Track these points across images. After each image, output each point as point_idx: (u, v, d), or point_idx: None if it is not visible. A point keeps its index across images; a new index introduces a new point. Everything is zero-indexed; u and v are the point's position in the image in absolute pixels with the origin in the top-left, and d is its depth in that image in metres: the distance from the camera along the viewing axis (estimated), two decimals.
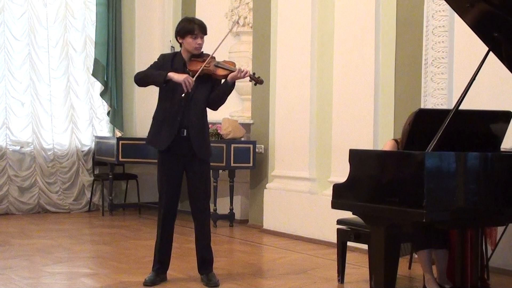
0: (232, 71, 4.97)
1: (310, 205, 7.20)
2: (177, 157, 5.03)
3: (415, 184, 3.63)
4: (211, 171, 5.27)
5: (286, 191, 7.49)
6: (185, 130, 4.98)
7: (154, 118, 5.14)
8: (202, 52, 5.10)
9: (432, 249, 4.79)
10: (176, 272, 5.44)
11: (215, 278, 5.09)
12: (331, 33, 7.04)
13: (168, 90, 5.00)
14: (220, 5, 8.90)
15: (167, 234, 5.16)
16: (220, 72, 4.99)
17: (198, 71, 4.94)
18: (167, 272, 5.23)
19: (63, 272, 5.58)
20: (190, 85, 4.86)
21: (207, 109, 5.16)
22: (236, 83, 4.96)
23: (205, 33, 5.06)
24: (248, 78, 5.04)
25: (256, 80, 5.03)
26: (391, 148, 4.90)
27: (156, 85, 5.08)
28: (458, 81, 5.77)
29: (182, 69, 4.99)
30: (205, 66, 4.97)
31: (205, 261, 5.14)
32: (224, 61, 5.10)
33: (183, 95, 4.90)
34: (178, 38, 5.08)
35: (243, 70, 4.93)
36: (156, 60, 5.16)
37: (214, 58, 5.09)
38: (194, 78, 4.90)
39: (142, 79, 5.10)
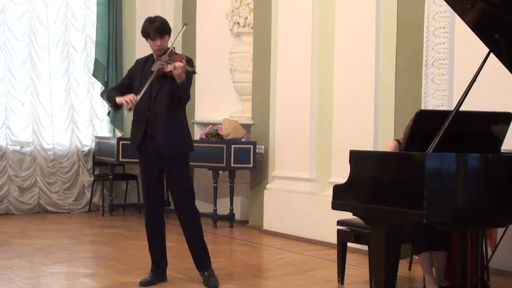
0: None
1: (310, 206, 7.19)
2: (150, 157, 5.07)
3: (415, 185, 3.63)
4: (188, 167, 5.22)
5: (286, 192, 7.49)
6: (149, 130, 5.02)
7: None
8: (167, 49, 5.06)
9: (433, 251, 4.79)
10: (176, 272, 5.44)
11: (214, 277, 5.10)
12: (331, 34, 7.04)
13: (137, 93, 5.07)
14: (220, 6, 8.90)
15: (154, 235, 5.18)
16: (168, 68, 4.93)
17: (155, 72, 4.94)
18: (167, 272, 5.23)
19: (63, 272, 5.58)
20: (131, 101, 4.90)
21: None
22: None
23: (164, 34, 5.02)
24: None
25: (190, 71, 4.91)
26: (393, 148, 4.90)
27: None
28: (458, 82, 5.77)
29: (150, 71, 5.02)
30: (160, 65, 4.95)
31: (199, 258, 5.15)
32: (176, 55, 5.00)
33: (127, 111, 4.99)
34: (144, 38, 5.14)
35: (177, 66, 4.81)
36: (132, 66, 5.29)
37: (173, 53, 5.02)
38: (148, 83, 4.93)
39: (107, 101, 5.22)
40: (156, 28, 4.99)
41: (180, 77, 4.83)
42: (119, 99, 4.97)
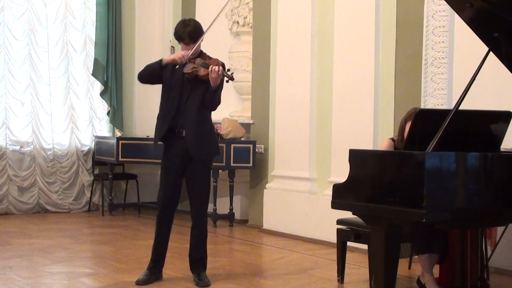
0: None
1: (310, 205, 7.19)
2: (177, 156, 5.09)
3: (415, 184, 3.62)
4: (211, 171, 5.29)
5: (286, 191, 7.49)
6: (183, 130, 5.04)
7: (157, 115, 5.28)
8: (201, 51, 5.12)
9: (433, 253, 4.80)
10: (174, 272, 5.43)
11: (206, 278, 5.09)
12: (331, 33, 7.04)
13: (166, 88, 5.13)
14: (220, 5, 8.85)
15: (163, 233, 5.19)
16: (202, 72, 4.98)
17: (189, 73, 4.98)
18: (164, 271, 5.23)
19: (63, 272, 5.58)
20: (183, 58, 4.96)
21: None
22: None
23: (196, 41, 5.04)
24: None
25: (228, 77, 4.98)
26: (387, 147, 4.91)
27: (156, 75, 5.13)
28: (458, 81, 5.77)
29: (180, 70, 5.05)
30: (193, 68, 4.98)
31: (196, 261, 5.15)
32: (210, 60, 5.05)
33: (177, 66, 5.01)
34: (175, 39, 5.17)
35: (214, 70, 4.86)
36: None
37: (208, 57, 5.07)
38: (188, 70, 4.98)
39: (142, 74, 5.21)
40: (190, 34, 5.01)
41: (215, 81, 4.90)
42: (169, 57, 5.06)
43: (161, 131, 5.10)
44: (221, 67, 4.91)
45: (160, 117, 5.16)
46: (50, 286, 5.15)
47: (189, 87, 5.04)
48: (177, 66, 4.99)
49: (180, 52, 5.02)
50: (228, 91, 8.76)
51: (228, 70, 5.02)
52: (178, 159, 5.09)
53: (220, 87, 5.00)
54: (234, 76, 5.06)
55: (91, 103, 9.47)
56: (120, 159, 8.66)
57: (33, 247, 6.51)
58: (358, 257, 6.05)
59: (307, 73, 7.31)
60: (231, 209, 8.10)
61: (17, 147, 8.91)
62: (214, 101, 5.05)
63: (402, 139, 4.79)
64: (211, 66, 4.89)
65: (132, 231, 7.76)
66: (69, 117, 9.25)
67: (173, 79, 5.05)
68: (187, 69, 5.02)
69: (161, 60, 5.08)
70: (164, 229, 5.19)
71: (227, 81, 5.05)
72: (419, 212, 3.58)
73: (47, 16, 9.09)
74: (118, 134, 9.39)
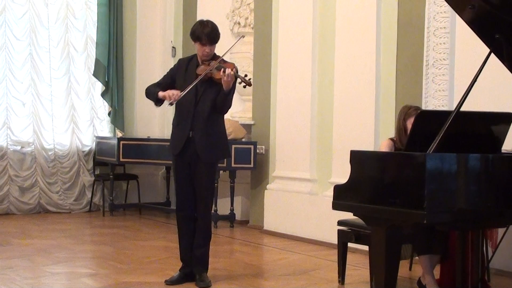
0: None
1: (310, 206, 7.19)
2: (184, 158, 5.11)
3: (416, 185, 3.62)
4: (215, 173, 5.29)
5: (287, 192, 7.49)
6: (191, 132, 5.06)
7: (172, 123, 5.28)
8: (215, 54, 5.13)
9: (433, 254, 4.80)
10: (174, 272, 5.42)
11: (207, 279, 5.08)
12: (332, 34, 7.05)
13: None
14: (221, 6, 8.90)
15: (184, 234, 5.18)
16: (217, 75, 5.00)
17: (202, 75, 4.99)
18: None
19: (64, 272, 5.58)
20: (173, 97, 4.97)
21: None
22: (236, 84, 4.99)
23: (214, 42, 5.06)
24: (238, 80, 5.03)
25: (246, 82, 5.02)
26: (387, 147, 4.92)
27: (155, 103, 5.22)
28: (459, 82, 5.77)
29: (194, 72, 5.06)
30: (208, 70, 4.99)
31: (197, 261, 5.13)
32: (226, 63, 5.07)
33: (168, 105, 5.08)
34: (191, 39, 5.16)
35: (227, 73, 4.88)
36: (174, 65, 5.31)
37: (223, 60, 5.09)
38: (194, 84, 4.97)
39: (146, 95, 5.27)
40: (208, 35, 5.00)
41: (228, 85, 4.91)
42: (162, 93, 5.04)
43: (180, 141, 5.09)
44: (234, 71, 4.94)
45: (178, 124, 5.16)
46: (51, 286, 5.15)
47: (201, 89, 5.05)
48: (168, 105, 5.04)
49: (173, 91, 4.99)
50: None
51: (246, 75, 5.05)
52: (186, 162, 5.10)
53: (232, 91, 5.01)
54: (251, 82, 5.09)
55: (92, 103, 9.47)
56: (121, 159, 8.66)
57: (33, 247, 6.51)
58: (359, 258, 6.06)
59: (308, 74, 7.31)
60: (232, 210, 8.10)
61: (18, 147, 8.92)
62: (225, 104, 5.07)
63: (401, 137, 4.81)
64: (225, 70, 4.90)
65: (133, 231, 7.76)
66: (70, 117, 9.25)
67: (186, 82, 5.04)
68: (201, 70, 5.02)
69: (157, 95, 5.09)
70: (184, 229, 5.18)
71: (244, 87, 5.09)
72: (420, 213, 3.58)
73: (48, 17, 9.10)
74: (119, 134, 9.39)
